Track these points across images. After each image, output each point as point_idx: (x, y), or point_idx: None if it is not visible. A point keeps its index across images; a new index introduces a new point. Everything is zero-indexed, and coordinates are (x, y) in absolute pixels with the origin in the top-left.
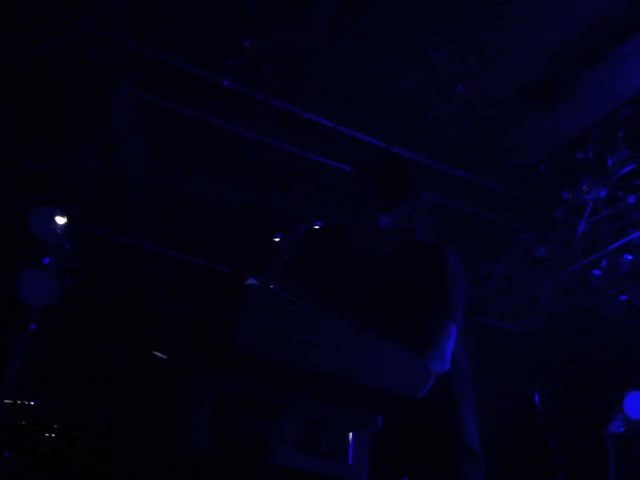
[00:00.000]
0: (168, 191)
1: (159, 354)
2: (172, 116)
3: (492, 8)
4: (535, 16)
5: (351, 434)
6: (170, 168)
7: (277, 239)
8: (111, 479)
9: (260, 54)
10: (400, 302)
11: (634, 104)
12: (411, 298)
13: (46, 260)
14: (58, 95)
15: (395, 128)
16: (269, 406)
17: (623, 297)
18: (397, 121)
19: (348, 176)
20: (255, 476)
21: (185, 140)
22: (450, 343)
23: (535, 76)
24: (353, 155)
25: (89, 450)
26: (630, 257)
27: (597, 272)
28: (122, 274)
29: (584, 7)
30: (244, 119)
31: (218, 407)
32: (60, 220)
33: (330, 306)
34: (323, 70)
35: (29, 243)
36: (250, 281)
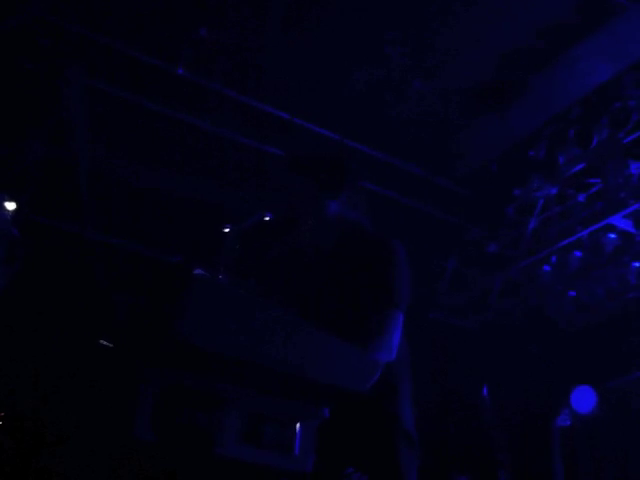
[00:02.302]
0: (117, 180)
1: (105, 342)
2: (123, 105)
3: (445, 8)
4: (488, 18)
5: (298, 425)
6: (120, 157)
7: (226, 230)
8: (53, 469)
9: (216, 44)
10: (347, 292)
11: (585, 104)
12: (358, 288)
13: None
14: (6, 80)
15: (349, 122)
16: (214, 398)
17: (572, 293)
18: (352, 115)
19: (286, 164)
20: (200, 468)
21: (136, 129)
22: (397, 332)
23: (488, 76)
24: (308, 148)
25: (32, 440)
26: (579, 254)
27: (547, 268)
28: (68, 263)
29: (536, 10)
30: (198, 109)
31: (162, 399)
32: (9, 206)
33: (277, 298)
34: (279, 62)
35: None
36: (197, 272)
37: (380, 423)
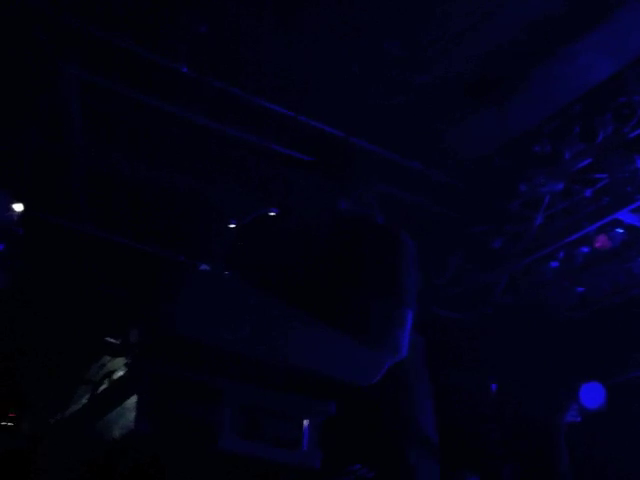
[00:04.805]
0: (113, 176)
1: (111, 340)
2: (119, 99)
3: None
4: (486, 8)
5: (306, 421)
6: (117, 152)
7: (232, 225)
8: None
9: (213, 39)
10: (356, 289)
11: (589, 99)
12: (367, 285)
13: (0, 247)
14: (2, 74)
15: (348, 115)
16: (219, 393)
17: (579, 289)
18: (354, 110)
19: (300, 165)
20: (201, 463)
21: (133, 125)
22: (403, 328)
23: (485, 68)
24: (313, 145)
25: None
26: (586, 250)
27: (554, 264)
28: (66, 259)
29: (531, 4)
30: (199, 106)
31: (163, 392)
32: (17, 207)
33: (283, 294)
34: (281, 59)
35: None
36: (202, 267)
37: (391, 423)
